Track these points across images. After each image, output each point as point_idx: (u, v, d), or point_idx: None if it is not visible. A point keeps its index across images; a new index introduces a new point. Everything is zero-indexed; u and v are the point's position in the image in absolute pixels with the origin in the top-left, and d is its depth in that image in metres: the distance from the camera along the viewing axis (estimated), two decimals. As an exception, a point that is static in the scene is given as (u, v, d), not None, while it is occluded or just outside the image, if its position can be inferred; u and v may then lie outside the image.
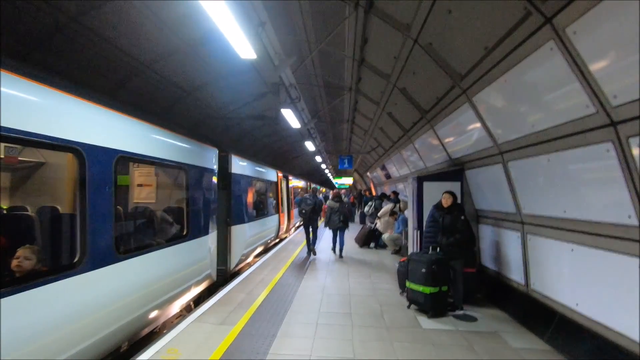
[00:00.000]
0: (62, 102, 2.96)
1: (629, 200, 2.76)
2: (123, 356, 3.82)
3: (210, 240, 5.83)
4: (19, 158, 3.58)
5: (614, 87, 2.61)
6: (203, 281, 5.55)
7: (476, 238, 5.73)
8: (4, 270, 2.57)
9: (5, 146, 3.18)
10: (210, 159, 6.05)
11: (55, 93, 2.90)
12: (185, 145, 5.16)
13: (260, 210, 9.65)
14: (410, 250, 6.70)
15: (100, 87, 5.72)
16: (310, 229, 9.00)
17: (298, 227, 16.75)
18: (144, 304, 3.90)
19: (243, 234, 7.81)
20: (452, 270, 4.91)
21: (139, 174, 5.04)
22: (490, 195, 5.44)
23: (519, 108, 3.95)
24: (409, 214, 7.33)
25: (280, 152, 17.02)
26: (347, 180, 30.59)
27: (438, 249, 5.00)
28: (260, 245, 9.55)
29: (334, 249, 9.20)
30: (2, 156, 3.21)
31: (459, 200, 5.36)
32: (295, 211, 15.18)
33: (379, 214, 10.56)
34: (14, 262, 2.61)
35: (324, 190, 30.32)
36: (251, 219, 8.55)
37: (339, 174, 28.09)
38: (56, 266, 3.04)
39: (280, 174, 12.85)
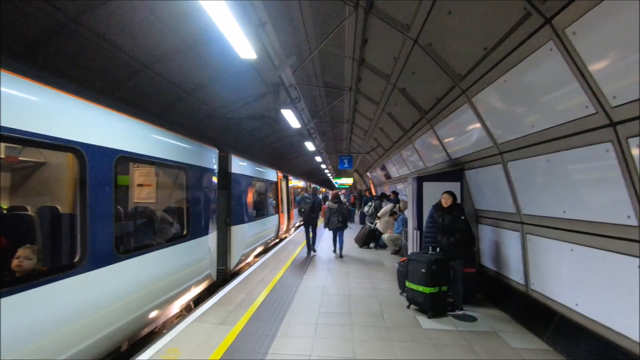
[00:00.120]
0: (62, 102, 2.96)
1: (628, 201, 2.77)
2: (123, 356, 3.82)
3: (210, 240, 5.83)
4: (19, 158, 3.59)
5: (613, 88, 2.62)
6: (203, 281, 5.55)
7: (476, 238, 5.73)
8: (4, 270, 2.57)
9: (5, 146, 3.18)
10: (210, 159, 6.05)
11: (55, 93, 2.90)
12: (185, 145, 5.16)
13: (260, 210, 9.66)
14: (410, 250, 6.71)
15: (100, 87, 5.72)
16: (310, 228, 9.15)
17: (298, 227, 16.78)
18: (144, 304, 3.90)
19: (243, 234, 7.81)
20: (452, 270, 4.91)
21: (139, 174, 5.04)
22: (490, 195, 5.44)
23: (519, 108, 3.95)
24: (409, 214, 7.33)
25: (280, 152, 17.02)
26: (347, 181, 30.63)
27: (438, 249, 5.01)
28: (260, 245, 9.56)
29: (334, 250, 9.30)
30: (2, 156, 3.21)
31: (458, 200, 5.36)
32: (295, 211, 15.24)
33: (378, 214, 10.58)
34: (14, 262, 2.61)
35: (323, 190, 30.35)
36: (251, 219, 8.55)
37: (338, 174, 28.11)
38: (56, 266, 3.04)
39: (280, 174, 12.86)
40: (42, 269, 2.76)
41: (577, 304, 3.59)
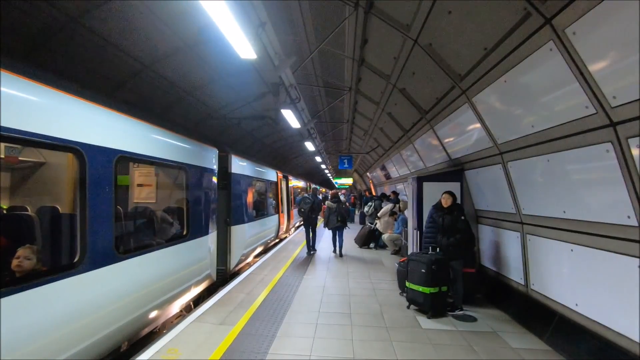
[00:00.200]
0: (62, 102, 2.96)
1: (628, 201, 2.77)
2: (123, 356, 3.82)
3: (210, 240, 5.83)
4: (19, 158, 3.58)
5: (613, 88, 2.62)
6: (203, 281, 5.55)
7: (476, 238, 5.73)
8: (4, 270, 2.57)
9: (5, 146, 3.18)
10: (210, 159, 6.05)
11: (55, 93, 2.90)
12: (185, 145, 5.16)
13: (260, 210, 9.67)
14: (410, 251, 6.71)
15: (100, 87, 5.72)
16: (310, 228, 9.20)
17: (298, 227, 16.78)
18: (143, 304, 3.90)
19: (243, 234, 7.81)
20: (452, 270, 4.92)
21: (139, 174, 5.04)
22: (490, 195, 5.44)
23: (519, 108, 3.95)
24: (409, 214, 7.33)
25: (280, 152, 17.02)
26: (347, 181, 30.65)
27: (438, 249, 5.00)
28: (260, 245, 9.56)
29: (334, 250, 9.34)
30: (2, 156, 3.21)
31: (458, 201, 5.36)
32: (295, 211, 15.26)
33: (378, 214, 10.58)
34: (14, 262, 2.61)
35: (323, 190, 30.37)
36: (251, 219, 8.55)
37: (338, 174, 28.12)
38: (56, 266, 3.04)
39: (280, 174, 12.86)
40: (42, 269, 2.75)
41: (577, 304, 3.59)
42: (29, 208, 3.33)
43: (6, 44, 4.23)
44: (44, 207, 3.45)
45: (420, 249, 5.85)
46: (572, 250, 3.61)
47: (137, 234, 4.34)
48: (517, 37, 3.24)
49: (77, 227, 3.02)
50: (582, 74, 2.77)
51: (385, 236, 9.83)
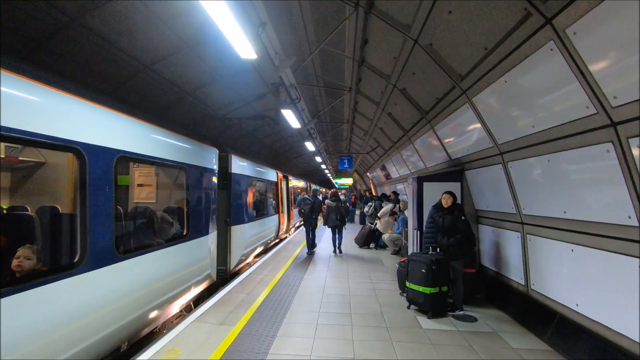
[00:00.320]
0: (62, 102, 2.96)
1: (629, 201, 2.76)
2: (123, 356, 3.82)
3: (210, 240, 5.83)
4: (19, 158, 3.58)
5: (614, 88, 2.62)
6: (203, 281, 5.55)
7: (476, 238, 5.73)
8: (4, 270, 2.57)
9: (5, 146, 3.18)
10: (210, 159, 6.05)
11: (56, 93, 2.90)
12: (186, 145, 5.16)
13: (260, 210, 9.68)
14: (410, 251, 6.71)
15: (101, 86, 5.72)
16: (310, 228, 9.29)
17: (298, 227, 16.78)
18: (144, 304, 3.90)
19: (243, 234, 7.81)
20: (452, 270, 4.91)
21: (139, 174, 5.04)
22: (490, 195, 5.44)
23: (519, 109, 3.95)
24: (409, 214, 7.33)
25: (280, 152, 17.02)
26: (347, 181, 30.66)
27: (438, 249, 5.00)
28: (260, 245, 9.56)
29: (334, 250, 9.43)
30: (2, 156, 3.21)
31: (458, 201, 5.36)
32: (295, 211, 15.26)
33: (379, 214, 10.59)
34: (15, 262, 2.61)
35: (323, 190, 30.38)
36: (251, 219, 8.56)
37: (339, 174, 28.13)
38: (56, 266, 3.04)
39: (280, 174, 12.86)
40: (42, 269, 2.75)
41: (577, 305, 3.59)
42: (29, 208, 3.33)
43: (6, 44, 4.23)
44: (44, 207, 3.46)
45: (421, 249, 5.85)
46: (572, 250, 3.60)
47: (138, 234, 4.34)
48: (518, 37, 3.24)
49: (77, 227, 3.01)
50: (582, 74, 2.77)
51: (385, 236, 9.83)
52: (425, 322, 4.57)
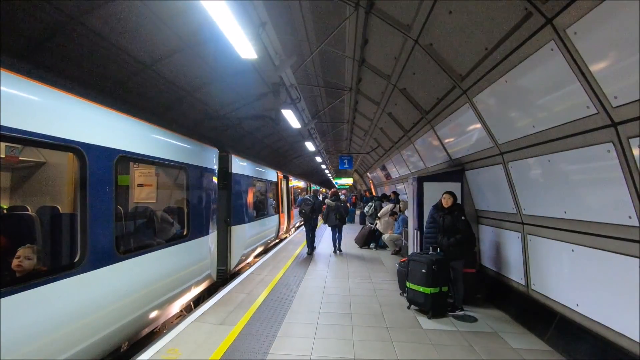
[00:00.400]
0: (62, 102, 2.96)
1: (629, 201, 2.76)
2: (123, 356, 3.82)
3: (210, 240, 5.83)
4: (20, 157, 3.58)
5: (614, 88, 2.62)
6: (203, 281, 5.55)
7: (476, 238, 5.73)
8: (4, 270, 2.57)
9: (5, 146, 3.18)
10: (210, 159, 6.05)
11: (56, 92, 2.90)
12: (186, 145, 5.16)
13: (260, 210, 9.68)
14: (410, 251, 6.70)
15: (101, 86, 5.72)
16: (310, 228, 9.33)
17: (298, 227, 16.78)
18: (144, 304, 3.90)
19: (243, 234, 7.81)
20: (452, 270, 4.91)
21: (139, 174, 5.04)
22: (491, 195, 5.44)
23: (520, 109, 3.95)
24: (409, 214, 7.33)
25: (280, 152, 17.01)
26: (347, 181, 30.67)
27: (438, 250, 5.00)
28: (260, 245, 9.56)
29: (334, 250, 9.46)
30: (2, 156, 3.21)
31: (459, 201, 5.36)
32: (295, 211, 15.26)
33: (379, 214, 10.59)
34: (15, 262, 2.61)
35: (324, 190, 30.38)
36: (251, 219, 8.56)
37: (339, 174, 28.14)
38: (56, 266, 3.04)
39: (280, 174, 12.86)
40: (42, 269, 2.75)
41: (577, 305, 3.58)
42: (29, 208, 3.33)
43: (6, 43, 4.23)
44: (44, 207, 3.46)
45: (421, 249, 5.85)
46: (572, 250, 3.60)
47: (138, 234, 4.34)
48: (518, 37, 3.24)
49: (78, 227, 3.01)
50: (583, 74, 2.77)
51: (385, 236, 9.83)
52: (425, 322, 4.57)
